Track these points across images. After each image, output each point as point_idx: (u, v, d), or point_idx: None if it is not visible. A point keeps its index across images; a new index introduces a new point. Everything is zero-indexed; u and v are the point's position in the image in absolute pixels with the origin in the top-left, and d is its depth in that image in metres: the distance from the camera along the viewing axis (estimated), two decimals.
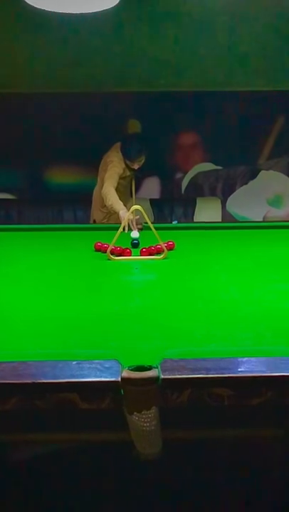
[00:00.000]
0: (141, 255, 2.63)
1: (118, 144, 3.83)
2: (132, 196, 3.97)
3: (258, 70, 4.77)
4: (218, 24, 4.64)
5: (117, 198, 3.58)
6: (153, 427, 1.23)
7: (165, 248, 2.60)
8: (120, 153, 3.77)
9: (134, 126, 4.14)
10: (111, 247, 2.58)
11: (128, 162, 3.74)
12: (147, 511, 1.60)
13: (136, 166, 3.77)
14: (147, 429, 1.22)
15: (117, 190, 3.67)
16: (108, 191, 3.62)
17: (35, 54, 4.68)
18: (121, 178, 3.78)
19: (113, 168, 3.73)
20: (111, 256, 2.56)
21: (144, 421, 1.21)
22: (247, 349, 1.47)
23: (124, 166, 3.76)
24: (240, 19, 4.65)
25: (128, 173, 3.83)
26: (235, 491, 1.56)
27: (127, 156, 3.73)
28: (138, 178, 4.15)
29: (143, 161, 3.79)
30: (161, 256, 2.58)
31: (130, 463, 1.41)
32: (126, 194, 3.94)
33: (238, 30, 4.70)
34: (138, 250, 2.68)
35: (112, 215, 3.79)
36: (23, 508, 1.62)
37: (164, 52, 4.70)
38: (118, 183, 3.74)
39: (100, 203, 3.90)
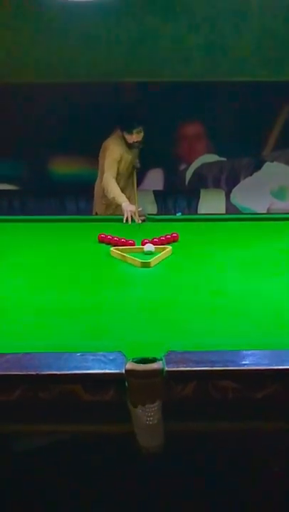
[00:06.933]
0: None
1: (116, 130, 3.74)
2: (133, 187, 3.93)
3: (263, 60, 4.73)
4: (223, 14, 4.60)
5: (119, 189, 3.52)
6: (156, 421, 1.22)
7: (170, 251, 2.55)
8: (117, 138, 3.68)
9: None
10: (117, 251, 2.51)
11: (127, 136, 3.63)
12: (149, 503, 1.61)
13: (135, 139, 3.62)
14: (151, 422, 1.22)
15: (118, 181, 3.63)
16: (108, 182, 3.55)
17: (38, 43, 4.64)
18: (123, 169, 3.73)
19: (111, 155, 3.63)
20: (114, 251, 2.51)
21: (149, 414, 1.21)
22: (252, 342, 1.46)
23: (122, 151, 3.66)
24: (245, 9, 4.60)
25: (129, 156, 3.72)
26: (238, 482, 1.56)
27: (125, 128, 3.62)
28: (141, 169, 4.10)
29: (142, 134, 3.67)
30: (166, 250, 2.55)
31: (132, 455, 1.41)
32: (128, 186, 3.90)
33: (243, 20, 4.65)
34: (140, 242, 2.66)
35: (114, 208, 3.76)
36: (25, 497, 1.62)
37: (168, 41, 4.65)
38: (120, 175, 3.69)
39: (100, 195, 3.85)
